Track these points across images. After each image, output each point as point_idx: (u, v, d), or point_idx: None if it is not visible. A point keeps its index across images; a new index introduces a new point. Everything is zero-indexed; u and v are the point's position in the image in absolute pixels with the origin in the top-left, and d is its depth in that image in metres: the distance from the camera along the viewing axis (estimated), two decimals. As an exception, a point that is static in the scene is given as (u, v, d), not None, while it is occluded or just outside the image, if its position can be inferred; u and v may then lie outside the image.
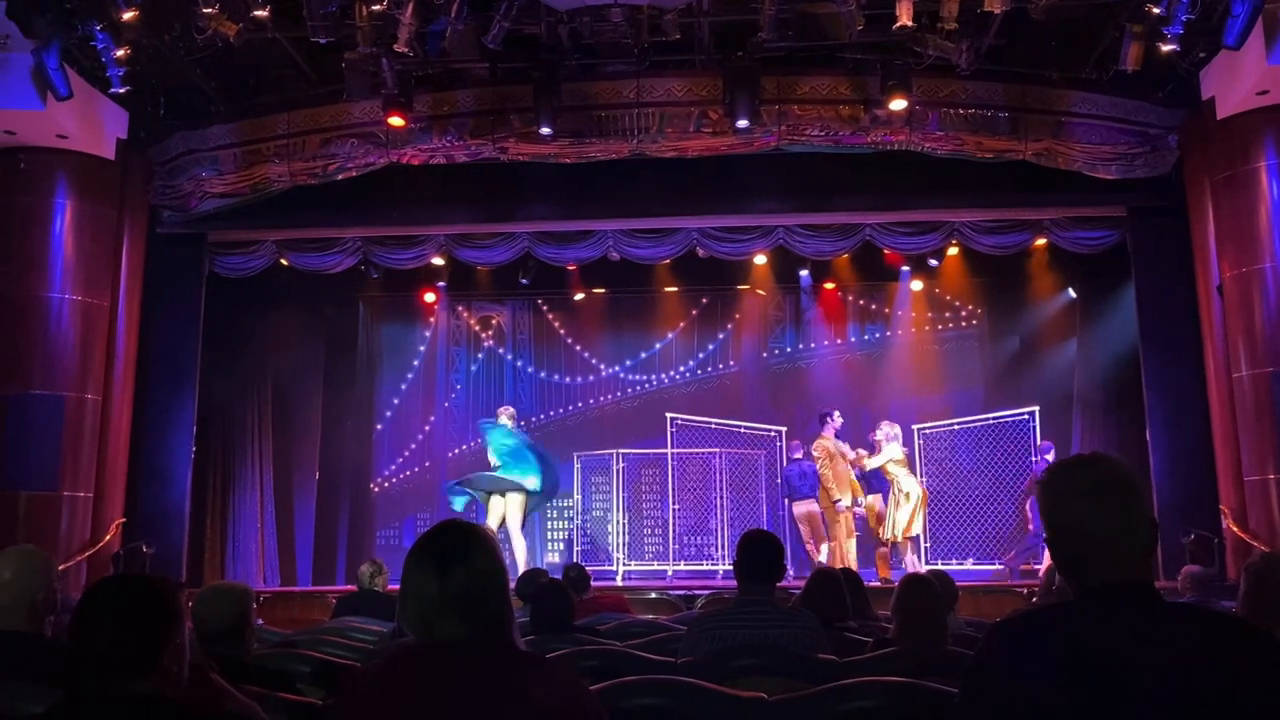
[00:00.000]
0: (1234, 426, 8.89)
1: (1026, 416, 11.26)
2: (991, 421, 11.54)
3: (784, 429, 11.87)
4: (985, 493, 11.31)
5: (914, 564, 10.25)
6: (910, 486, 10.42)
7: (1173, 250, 9.73)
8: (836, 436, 10.72)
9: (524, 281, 12.29)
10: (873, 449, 10.78)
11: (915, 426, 11.67)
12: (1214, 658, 1.57)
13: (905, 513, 10.30)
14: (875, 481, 10.81)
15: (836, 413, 10.88)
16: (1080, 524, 1.71)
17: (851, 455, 10.75)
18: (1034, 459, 11.08)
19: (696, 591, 9.46)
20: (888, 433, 10.60)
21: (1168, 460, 9.52)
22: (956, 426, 11.70)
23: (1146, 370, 9.83)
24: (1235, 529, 8.72)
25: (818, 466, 10.57)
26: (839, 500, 10.40)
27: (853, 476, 10.62)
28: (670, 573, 11.52)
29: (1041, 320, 12.65)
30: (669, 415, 11.97)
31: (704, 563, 11.83)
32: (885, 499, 10.67)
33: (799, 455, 11.23)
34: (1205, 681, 1.54)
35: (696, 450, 12.11)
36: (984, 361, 13.30)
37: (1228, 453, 9.00)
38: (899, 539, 10.32)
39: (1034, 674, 1.59)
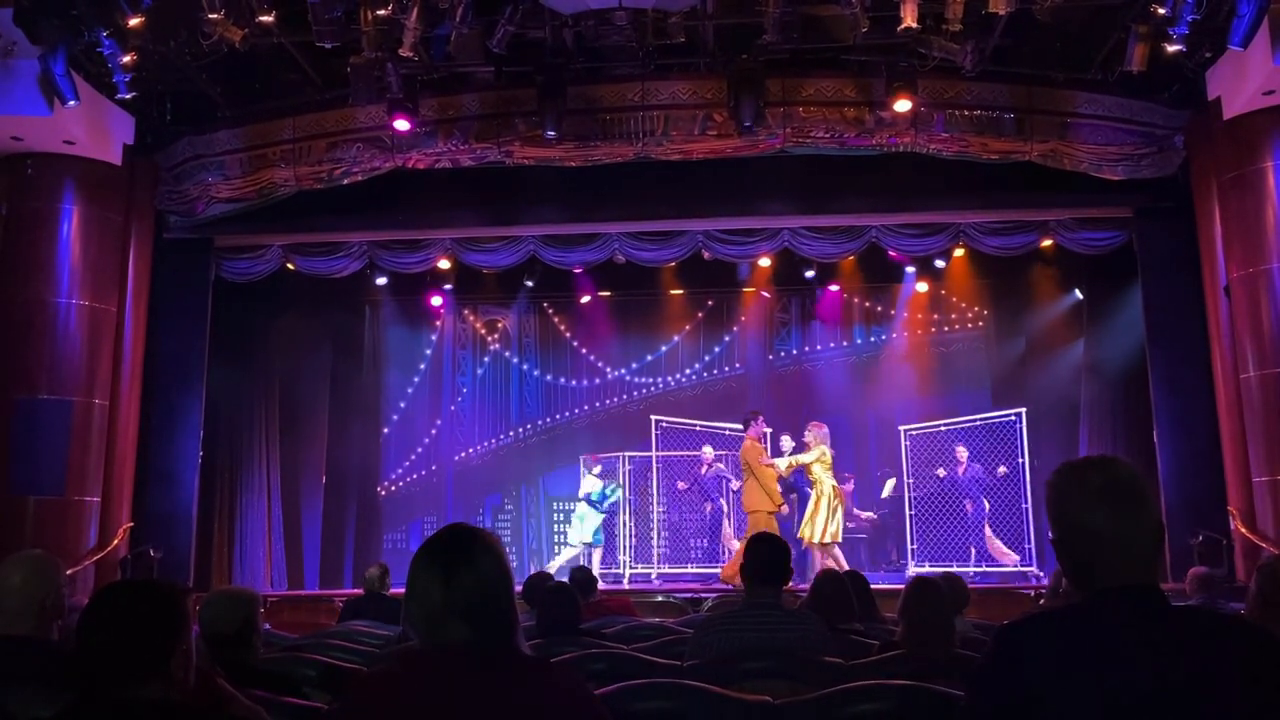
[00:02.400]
0: (1242, 427, 8.86)
1: (1013, 418, 11.21)
2: (979, 423, 11.51)
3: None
4: (972, 495, 11.29)
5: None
6: (830, 490, 10.24)
7: (1180, 251, 9.71)
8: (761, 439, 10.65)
9: (528, 284, 12.30)
10: (801, 449, 10.59)
11: (902, 427, 11.68)
12: (1222, 661, 1.56)
13: (824, 517, 10.13)
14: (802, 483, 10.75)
15: (761, 416, 10.84)
16: (1089, 527, 1.69)
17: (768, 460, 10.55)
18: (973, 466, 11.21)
19: (703, 594, 9.45)
20: (816, 434, 10.43)
21: (1175, 461, 9.49)
22: (943, 428, 11.67)
23: (1154, 371, 9.81)
24: (1243, 530, 8.69)
25: (747, 472, 10.35)
26: (781, 506, 10.27)
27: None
28: (655, 576, 11.50)
29: (1048, 322, 12.61)
30: (654, 418, 12.04)
31: (712, 565, 11.81)
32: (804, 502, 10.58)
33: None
34: (1213, 685, 1.53)
35: (701, 453, 12.12)
36: (990, 363, 13.27)
37: (1236, 454, 8.98)
38: (819, 543, 10.15)
39: (1042, 678, 1.59)
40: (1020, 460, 11.02)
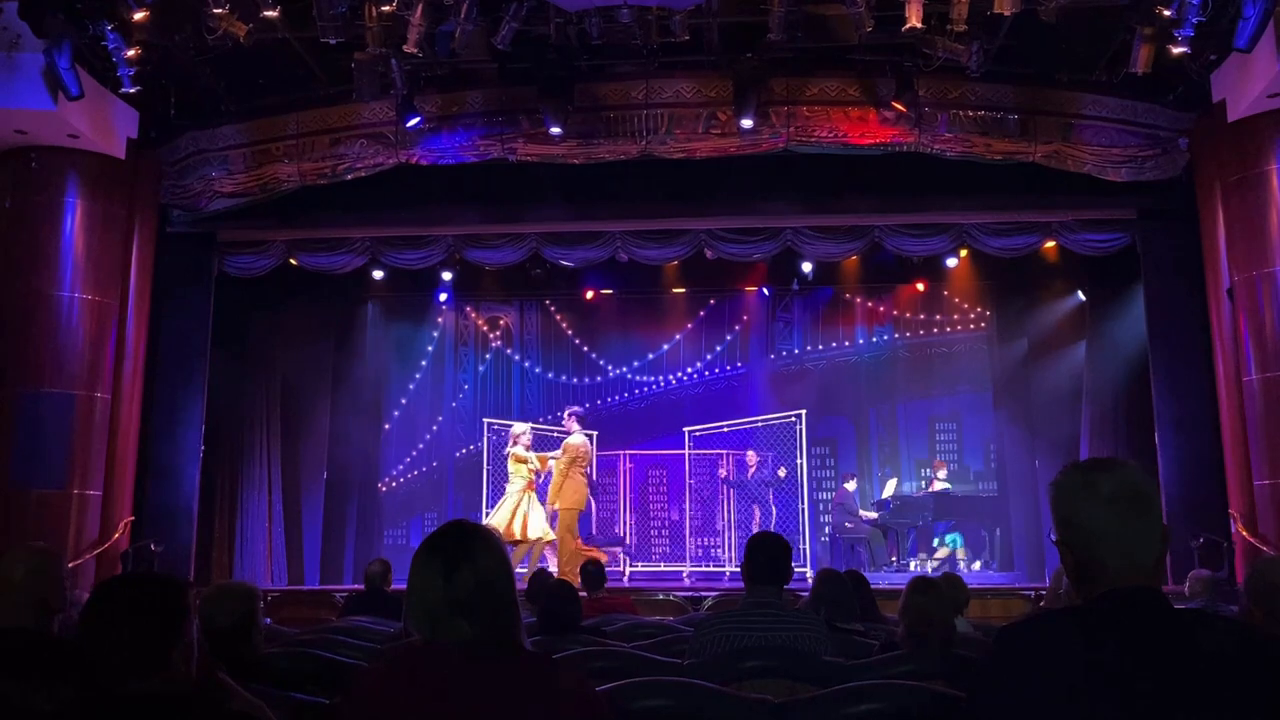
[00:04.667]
0: (1244, 430, 8.85)
1: (794, 419, 11.42)
2: (760, 425, 11.69)
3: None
4: (760, 499, 11.53)
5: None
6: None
7: (1183, 253, 9.70)
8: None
9: (536, 272, 12.29)
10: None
11: (686, 429, 11.82)
12: (1223, 665, 1.56)
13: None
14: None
15: (567, 411, 11.03)
16: (1096, 530, 1.68)
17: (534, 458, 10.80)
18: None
19: (704, 593, 9.46)
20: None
21: (1177, 463, 9.48)
22: (726, 429, 11.76)
23: (1155, 373, 9.80)
24: (1244, 533, 8.69)
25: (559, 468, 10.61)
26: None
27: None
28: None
29: (1050, 323, 12.61)
30: (486, 420, 12.23)
31: (710, 565, 11.84)
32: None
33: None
34: (1215, 689, 1.53)
35: (707, 452, 12.14)
36: (992, 364, 13.27)
37: (1237, 457, 8.97)
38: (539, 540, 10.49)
39: (1043, 680, 1.58)
40: (799, 461, 11.28)
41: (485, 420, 12.31)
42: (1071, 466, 1.78)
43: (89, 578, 8.86)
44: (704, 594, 9.34)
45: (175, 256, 10.37)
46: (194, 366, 10.30)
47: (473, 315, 13.88)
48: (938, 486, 11.91)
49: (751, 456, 11.61)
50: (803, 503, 11.34)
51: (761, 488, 11.58)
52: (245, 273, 10.75)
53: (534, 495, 10.66)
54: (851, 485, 12.32)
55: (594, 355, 13.71)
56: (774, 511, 11.57)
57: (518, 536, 10.43)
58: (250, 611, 3.14)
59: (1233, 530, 8.87)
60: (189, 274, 10.43)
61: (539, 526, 10.54)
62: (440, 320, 13.76)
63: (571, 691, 1.80)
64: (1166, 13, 7.73)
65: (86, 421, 9.28)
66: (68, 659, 2.47)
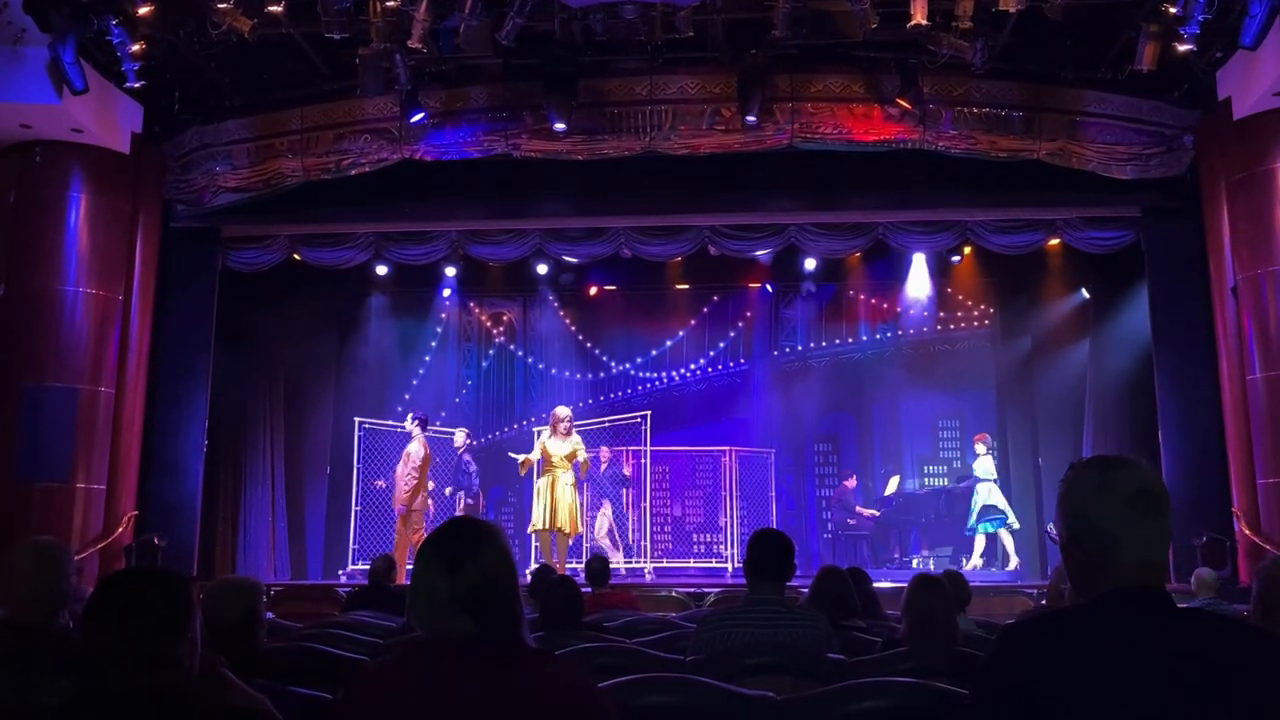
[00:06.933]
0: (1247, 429, 8.84)
1: (639, 420, 11.73)
2: (608, 425, 12.01)
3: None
4: (609, 493, 11.76)
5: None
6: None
7: (1187, 251, 9.68)
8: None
9: (548, 271, 12.25)
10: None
11: (535, 429, 11.97)
12: (1227, 664, 1.56)
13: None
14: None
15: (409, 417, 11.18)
16: (1112, 530, 1.66)
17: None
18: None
19: (706, 589, 9.46)
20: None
21: (1180, 461, 9.47)
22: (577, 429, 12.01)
23: (1159, 371, 9.79)
24: (1248, 532, 8.68)
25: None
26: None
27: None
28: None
29: (1054, 320, 12.58)
30: (357, 420, 12.18)
31: (713, 560, 11.85)
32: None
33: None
34: (1217, 688, 1.53)
35: (707, 448, 12.13)
36: (996, 362, 13.24)
37: (1241, 455, 8.96)
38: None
39: (1046, 678, 1.58)
40: (643, 461, 11.65)
41: (356, 419, 12.18)
42: (1085, 465, 1.74)
43: (92, 572, 8.88)
44: (706, 590, 9.34)
45: (179, 251, 10.39)
46: (197, 361, 10.31)
47: (476, 311, 13.88)
48: (976, 468, 11.48)
49: (604, 453, 11.82)
50: (645, 501, 11.75)
51: (609, 485, 11.84)
52: (249, 268, 10.76)
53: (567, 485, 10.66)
54: (852, 483, 12.32)
55: (597, 351, 13.71)
56: (611, 509, 11.85)
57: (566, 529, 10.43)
58: (253, 606, 3.14)
59: (1236, 529, 8.87)
60: (193, 269, 10.45)
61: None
62: (444, 316, 13.74)
63: (573, 688, 1.80)
64: (1172, 10, 7.73)
65: (90, 416, 9.30)
66: (73, 654, 2.48)
